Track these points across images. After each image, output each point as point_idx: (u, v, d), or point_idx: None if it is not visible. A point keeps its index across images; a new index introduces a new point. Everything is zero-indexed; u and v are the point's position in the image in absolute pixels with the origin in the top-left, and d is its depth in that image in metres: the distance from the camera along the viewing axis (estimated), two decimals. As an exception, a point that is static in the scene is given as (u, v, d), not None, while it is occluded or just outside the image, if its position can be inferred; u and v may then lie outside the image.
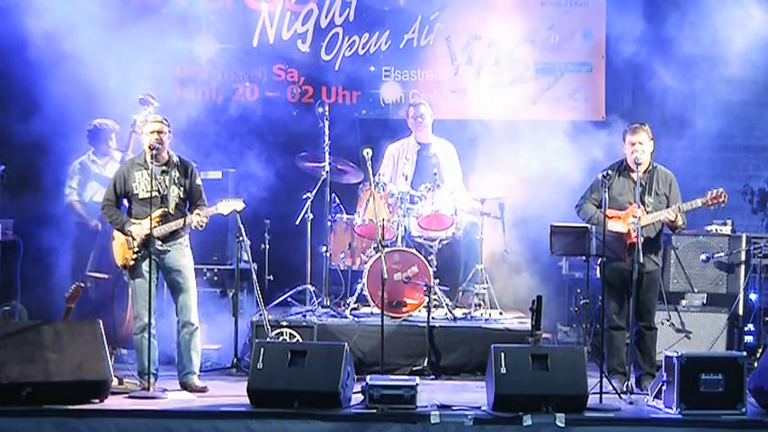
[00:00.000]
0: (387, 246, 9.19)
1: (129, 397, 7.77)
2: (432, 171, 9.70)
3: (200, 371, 8.46)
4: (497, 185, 9.83)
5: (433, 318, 9.10)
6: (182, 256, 8.24)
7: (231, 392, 8.01)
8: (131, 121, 9.11)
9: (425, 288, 9.15)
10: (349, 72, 11.08)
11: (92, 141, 9.45)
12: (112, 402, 7.51)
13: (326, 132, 9.71)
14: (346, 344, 7.69)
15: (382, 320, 8.35)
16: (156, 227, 8.01)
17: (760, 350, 9.16)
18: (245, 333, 9.14)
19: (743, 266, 9.48)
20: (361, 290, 9.35)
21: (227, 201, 8.28)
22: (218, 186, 9.76)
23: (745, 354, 7.76)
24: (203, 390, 8.10)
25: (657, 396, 7.63)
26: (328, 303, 9.57)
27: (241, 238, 9.02)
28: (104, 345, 7.62)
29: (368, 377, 7.54)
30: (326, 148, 9.69)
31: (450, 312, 9.35)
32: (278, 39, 11.05)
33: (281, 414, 7.23)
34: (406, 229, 9.59)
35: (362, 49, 11.09)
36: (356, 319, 9.23)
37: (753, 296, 9.50)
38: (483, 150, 10.25)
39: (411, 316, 9.25)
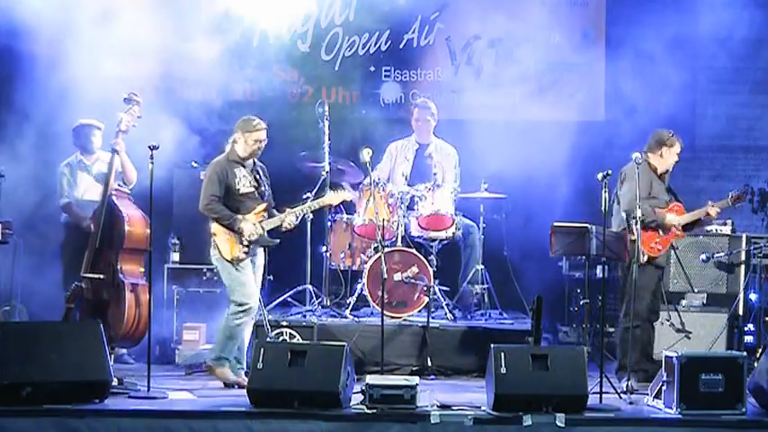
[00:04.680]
0: (387, 246, 9.19)
1: (129, 397, 7.76)
2: (430, 171, 9.68)
3: (200, 370, 8.61)
4: (497, 185, 9.83)
5: (432, 318, 9.10)
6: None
7: (231, 392, 8.02)
8: (118, 120, 9.07)
9: (425, 288, 9.15)
10: (349, 72, 11.08)
11: (75, 140, 9.40)
12: (112, 402, 7.50)
13: (326, 132, 9.70)
14: (346, 344, 7.69)
15: (382, 320, 8.34)
16: (262, 220, 8.20)
17: (760, 350, 9.15)
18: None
19: (743, 266, 9.48)
20: (361, 290, 9.35)
21: (336, 192, 8.65)
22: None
23: (745, 354, 7.75)
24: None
25: (657, 396, 7.63)
26: (328, 303, 9.56)
27: (241, 238, 9.00)
28: (104, 345, 7.60)
29: (368, 377, 7.53)
30: (326, 148, 9.68)
31: (450, 312, 9.35)
32: (278, 39, 11.04)
33: (281, 414, 7.21)
34: (406, 229, 9.59)
35: (362, 49, 11.09)
36: (356, 319, 9.23)
37: (753, 296, 9.49)
38: (483, 150, 10.23)
39: (411, 316, 9.25)
